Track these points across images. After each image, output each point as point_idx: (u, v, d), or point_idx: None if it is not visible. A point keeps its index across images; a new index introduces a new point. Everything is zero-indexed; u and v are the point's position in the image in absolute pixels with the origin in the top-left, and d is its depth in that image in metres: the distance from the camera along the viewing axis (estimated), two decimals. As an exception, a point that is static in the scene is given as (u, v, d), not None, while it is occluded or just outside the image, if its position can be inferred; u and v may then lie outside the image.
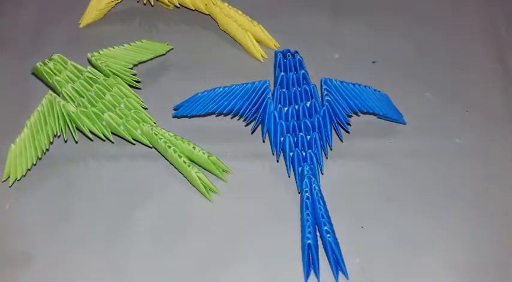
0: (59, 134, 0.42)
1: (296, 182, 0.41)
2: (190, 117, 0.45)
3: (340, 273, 0.37)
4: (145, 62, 0.48)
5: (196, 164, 0.42)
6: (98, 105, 0.43)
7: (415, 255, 0.38)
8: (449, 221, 0.40)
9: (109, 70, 0.44)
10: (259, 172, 0.43)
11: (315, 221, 0.38)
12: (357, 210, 0.40)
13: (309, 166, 0.40)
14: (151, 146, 0.43)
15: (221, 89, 0.43)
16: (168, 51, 0.50)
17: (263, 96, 0.43)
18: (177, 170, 0.42)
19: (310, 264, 0.37)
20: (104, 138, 0.43)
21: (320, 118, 0.42)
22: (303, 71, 0.44)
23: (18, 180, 0.42)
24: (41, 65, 0.44)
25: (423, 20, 0.52)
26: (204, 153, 0.41)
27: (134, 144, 0.43)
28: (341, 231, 0.38)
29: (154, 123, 0.43)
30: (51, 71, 0.44)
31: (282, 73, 0.44)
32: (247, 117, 0.43)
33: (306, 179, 0.40)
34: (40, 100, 0.42)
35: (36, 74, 0.45)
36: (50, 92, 0.43)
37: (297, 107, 0.43)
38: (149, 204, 0.41)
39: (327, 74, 0.44)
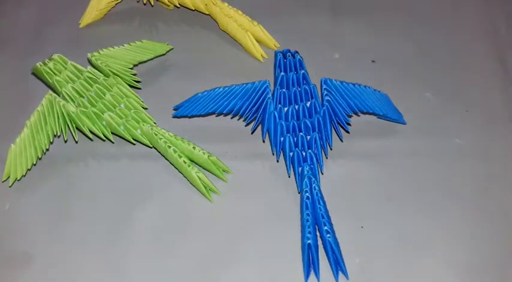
0: (59, 134, 0.42)
1: (296, 182, 0.41)
2: (190, 117, 0.45)
3: (340, 273, 0.37)
4: (145, 62, 0.48)
5: (197, 164, 0.42)
6: (98, 105, 0.43)
7: (415, 255, 0.38)
8: (449, 221, 0.40)
9: (109, 70, 0.44)
10: (259, 172, 0.43)
11: (315, 221, 0.38)
12: (357, 210, 0.40)
13: (309, 166, 0.40)
14: (151, 146, 0.43)
15: (221, 89, 0.44)
16: (168, 51, 0.50)
17: (263, 96, 0.43)
18: (177, 170, 0.42)
19: (310, 264, 0.37)
20: (104, 138, 0.43)
21: (320, 118, 0.42)
22: (303, 71, 0.44)
23: (18, 180, 0.42)
24: (41, 65, 0.44)
25: (423, 20, 0.52)
26: (204, 153, 0.41)
27: (134, 144, 0.43)
28: (341, 231, 0.38)
29: (154, 123, 0.43)
30: (51, 71, 0.44)
31: (282, 73, 0.44)
32: (247, 117, 0.43)
33: (306, 179, 0.40)
34: (40, 100, 0.42)
35: (36, 74, 0.45)
36: (50, 92, 0.43)
37: (297, 107, 0.43)
38: (149, 204, 0.41)
39: (327, 74, 0.44)
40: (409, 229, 0.40)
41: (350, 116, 0.43)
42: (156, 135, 0.41)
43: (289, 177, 0.42)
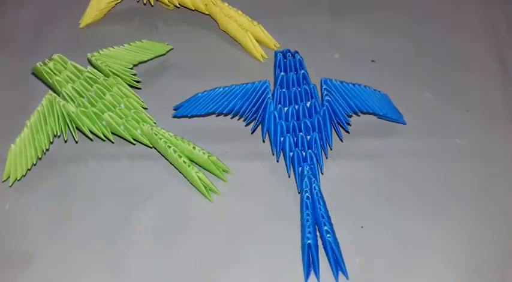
0: (59, 134, 0.42)
1: (296, 182, 0.41)
2: (190, 117, 0.45)
3: (340, 273, 0.37)
4: (145, 62, 0.48)
5: (197, 164, 0.42)
6: (98, 105, 0.43)
7: (415, 255, 0.38)
8: (449, 221, 0.40)
9: (109, 70, 0.44)
10: (259, 172, 0.43)
11: (315, 221, 0.38)
12: (357, 210, 0.40)
13: (309, 166, 0.40)
14: (151, 146, 0.43)
15: (221, 89, 0.44)
16: (168, 51, 0.50)
17: (263, 96, 0.43)
18: (177, 170, 0.42)
19: (310, 264, 0.37)
20: (104, 138, 0.43)
21: (320, 118, 0.42)
22: (303, 71, 0.44)
23: (18, 180, 0.42)
24: (41, 65, 0.44)
25: (423, 20, 0.52)
26: (204, 153, 0.41)
27: (134, 144, 0.43)
28: (341, 231, 0.38)
29: (154, 123, 0.43)
30: (51, 71, 0.44)
31: (282, 73, 0.44)
32: (247, 117, 0.43)
33: (306, 179, 0.40)
34: (40, 100, 0.42)
35: (36, 74, 0.45)
36: (50, 92, 0.43)
37: (297, 107, 0.43)
38: (149, 204, 0.41)
39: (327, 74, 0.44)
40: (409, 229, 0.40)
41: (350, 116, 0.43)
42: (156, 135, 0.41)
43: (289, 177, 0.42)
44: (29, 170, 0.41)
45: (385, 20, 0.53)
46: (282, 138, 0.41)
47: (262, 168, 0.43)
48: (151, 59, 0.49)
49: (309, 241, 0.37)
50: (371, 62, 0.49)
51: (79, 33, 0.52)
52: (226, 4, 0.50)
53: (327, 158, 0.43)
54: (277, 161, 0.43)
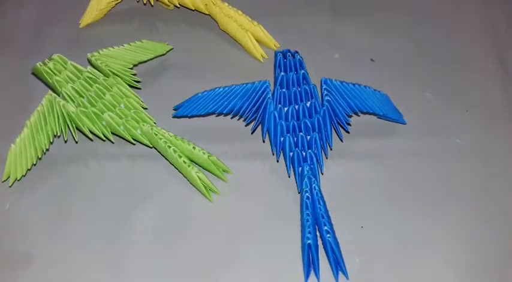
0: (59, 134, 0.42)
1: (296, 182, 0.41)
2: (190, 117, 0.45)
3: (340, 273, 0.37)
4: (145, 62, 0.48)
5: (197, 164, 0.42)
6: (97, 105, 0.43)
7: (415, 255, 0.38)
8: (449, 221, 0.40)
9: (109, 70, 0.44)
10: (259, 172, 0.43)
11: (315, 221, 0.38)
12: (357, 210, 0.40)
13: (309, 166, 0.40)
14: (151, 146, 0.43)
15: (221, 89, 0.43)
16: (168, 51, 0.50)
17: (263, 96, 0.43)
18: (177, 170, 0.42)
19: (310, 264, 0.37)
20: (104, 138, 0.43)
21: (320, 118, 0.42)
22: (303, 71, 0.44)
23: (18, 180, 0.42)
24: (41, 65, 0.44)
25: (423, 20, 0.52)
26: (204, 153, 0.41)
27: (134, 144, 0.43)
28: (341, 231, 0.38)
29: (154, 123, 0.43)
30: (51, 71, 0.44)
31: (282, 73, 0.44)
32: (247, 117, 0.43)
33: (306, 179, 0.40)
34: (40, 100, 0.42)
35: (36, 74, 0.45)
36: (50, 92, 0.43)
37: (297, 107, 0.43)
38: (149, 204, 0.41)
39: (327, 74, 0.44)
40: (409, 229, 0.40)
41: (350, 116, 0.43)
42: (156, 135, 0.41)
43: (289, 177, 0.42)
44: (29, 170, 0.41)
45: (385, 20, 0.53)
46: (282, 138, 0.41)
47: (262, 168, 0.43)
48: (151, 59, 0.49)
49: (309, 241, 0.37)
50: (370, 60, 0.49)
51: (79, 33, 0.52)
52: (226, 4, 0.50)
53: (327, 158, 0.43)
54: (277, 161, 0.43)
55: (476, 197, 0.41)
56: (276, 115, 0.42)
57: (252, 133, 0.44)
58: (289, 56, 0.45)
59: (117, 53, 0.46)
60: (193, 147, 0.41)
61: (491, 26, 0.52)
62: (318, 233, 0.38)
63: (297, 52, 0.46)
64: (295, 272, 0.38)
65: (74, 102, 0.43)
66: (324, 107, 0.42)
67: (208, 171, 0.42)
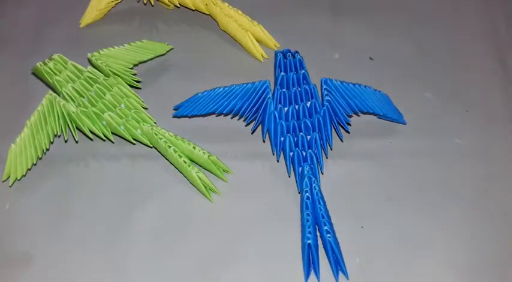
0: (59, 134, 0.42)
1: (296, 182, 0.41)
2: (190, 117, 0.45)
3: (340, 273, 0.37)
4: (145, 62, 0.48)
5: (197, 164, 0.42)
6: (98, 105, 0.43)
7: (415, 255, 0.38)
8: (449, 221, 0.40)
9: (109, 70, 0.44)
10: (259, 172, 0.43)
11: (315, 221, 0.38)
12: (357, 210, 0.40)
13: (309, 166, 0.40)
14: (151, 146, 0.43)
15: (221, 89, 0.44)
16: (168, 51, 0.50)
17: (263, 96, 0.43)
18: (177, 170, 0.42)
19: (310, 264, 0.37)
20: (104, 138, 0.43)
21: (320, 118, 0.42)
22: (303, 71, 0.44)
23: (18, 180, 0.42)
24: (41, 65, 0.44)
25: (423, 20, 0.52)
26: (204, 153, 0.41)
27: (134, 144, 0.43)
28: (341, 231, 0.38)
29: (155, 123, 0.43)
30: (52, 70, 0.44)
31: (282, 73, 0.44)
32: (247, 117, 0.43)
33: (306, 179, 0.40)
34: (40, 100, 0.42)
35: (37, 74, 0.45)
36: (50, 91, 0.43)
37: (297, 107, 0.43)
38: (149, 204, 0.41)
39: (327, 74, 0.44)
40: (409, 229, 0.40)
41: (350, 116, 0.43)
42: (156, 135, 0.41)
43: (289, 177, 0.42)
44: (29, 169, 0.41)
45: (385, 20, 0.53)
46: (282, 138, 0.41)
47: (262, 168, 0.43)
48: (152, 59, 0.49)
49: (309, 241, 0.37)
50: (369, 59, 0.49)
51: (79, 33, 0.52)
52: (226, 4, 0.50)
53: (327, 158, 0.43)
54: (277, 161, 0.43)
55: (476, 197, 0.41)
56: (276, 115, 0.42)
57: (252, 133, 0.44)
58: (289, 56, 0.45)
59: (117, 53, 0.46)
60: (194, 147, 0.41)
61: (491, 26, 0.52)
62: (318, 233, 0.38)
63: (297, 52, 0.46)
64: (295, 272, 0.38)
65: (74, 102, 0.43)
66: (324, 107, 0.42)
67: (209, 171, 0.42)
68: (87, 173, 0.43)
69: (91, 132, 0.42)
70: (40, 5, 0.55)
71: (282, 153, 0.42)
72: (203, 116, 0.45)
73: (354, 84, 0.43)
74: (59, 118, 0.42)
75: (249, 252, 0.39)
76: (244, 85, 0.43)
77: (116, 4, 0.53)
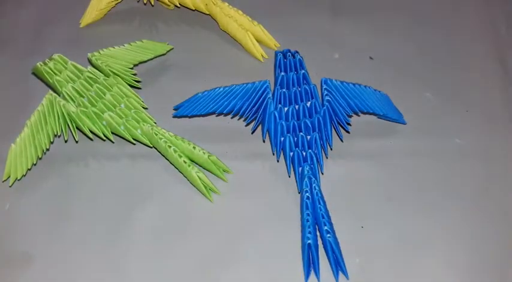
0: (59, 134, 0.42)
1: (296, 182, 0.41)
2: (190, 117, 0.45)
3: (340, 273, 0.37)
4: (145, 62, 0.48)
5: (197, 164, 0.42)
6: (98, 105, 0.43)
7: (415, 255, 0.38)
8: (449, 221, 0.40)
9: (109, 70, 0.44)
10: (259, 172, 0.43)
11: (315, 221, 0.38)
12: (357, 210, 0.40)
13: (309, 166, 0.40)
14: (151, 146, 0.43)
15: (221, 89, 0.44)
16: (168, 51, 0.50)
17: (263, 96, 0.43)
18: (177, 170, 0.42)
19: (310, 264, 0.37)
20: (104, 138, 0.43)
21: (320, 118, 0.42)
22: (303, 71, 0.44)
23: (18, 180, 0.42)
24: (41, 65, 0.44)
25: (423, 20, 0.52)
26: (204, 153, 0.41)
27: (134, 144, 0.43)
28: (341, 231, 0.38)
29: (155, 123, 0.43)
30: (52, 70, 0.44)
31: (282, 73, 0.44)
32: (247, 117, 0.43)
33: (306, 179, 0.40)
34: (40, 100, 0.42)
35: (37, 74, 0.45)
36: (50, 91, 0.43)
37: (297, 107, 0.43)
38: (149, 204, 0.41)
39: (327, 74, 0.44)
40: (409, 229, 0.40)
41: (350, 116, 0.43)
42: (156, 135, 0.41)
43: (289, 177, 0.42)
44: (29, 169, 0.41)
45: (385, 20, 0.53)
46: (282, 138, 0.41)
47: (262, 168, 0.43)
48: (152, 59, 0.49)
49: (309, 241, 0.37)
50: (369, 58, 0.49)
51: (79, 33, 0.52)
52: (226, 4, 0.50)
53: (327, 158, 0.43)
54: (278, 161, 0.43)
55: (476, 197, 0.41)
56: (276, 115, 0.42)
57: (252, 133, 0.44)
58: (289, 56, 0.45)
59: (117, 53, 0.46)
60: (194, 147, 0.41)
61: (491, 26, 0.52)
62: (318, 233, 0.38)
63: (297, 52, 0.46)
64: (295, 272, 0.38)
65: (74, 102, 0.43)
66: (324, 107, 0.42)
67: (209, 171, 0.42)
68: (87, 173, 0.43)
69: (91, 132, 0.42)
70: (40, 5, 0.55)
71: (282, 153, 0.42)
72: (203, 116, 0.45)
73: (354, 84, 0.43)
74: (59, 118, 0.42)
75: (249, 252, 0.39)
76: (244, 85, 0.43)
77: (116, 4, 0.53)
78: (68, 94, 0.43)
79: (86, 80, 0.44)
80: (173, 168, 0.42)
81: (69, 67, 0.44)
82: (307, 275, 0.37)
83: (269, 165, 0.43)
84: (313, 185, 0.39)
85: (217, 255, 0.39)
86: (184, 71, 0.49)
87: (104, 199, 0.41)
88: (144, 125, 0.42)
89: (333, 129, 0.42)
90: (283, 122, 0.41)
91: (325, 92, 0.42)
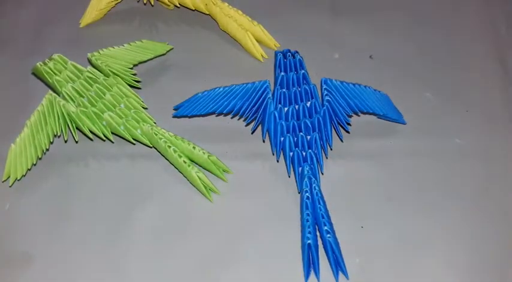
0: (59, 134, 0.42)
1: (296, 182, 0.41)
2: (190, 117, 0.45)
3: (340, 273, 0.37)
4: (145, 62, 0.48)
5: (197, 164, 0.42)
6: (98, 105, 0.43)
7: (415, 255, 0.38)
8: (449, 221, 0.40)
9: (109, 70, 0.44)
10: (259, 172, 0.43)
11: (315, 221, 0.38)
12: (357, 210, 0.40)
13: (309, 166, 0.40)
14: (151, 146, 0.43)
15: (221, 89, 0.44)
16: (168, 51, 0.50)
17: (263, 96, 0.43)
18: (177, 170, 0.42)
19: (310, 264, 0.37)
20: (104, 138, 0.43)
21: (320, 118, 0.42)
22: (303, 71, 0.44)
23: (18, 180, 0.42)
24: (41, 65, 0.44)
25: (423, 20, 0.52)
26: (204, 153, 0.41)
27: (134, 144, 0.43)
28: (341, 231, 0.38)
29: (155, 123, 0.43)
30: (51, 70, 0.44)
31: (282, 73, 0.44)
32: (247, 117, 0.43)
33: (306, 179, 0.40)
34: (40, 100, 0.42)
35: (36, 74, 0.45)
36: (50, 91, 0.43)
37: (297, 107, 0.43)
38: (149, 204, 0.41)
39: (327, 74, 0.44)
40: (409, 229, 0.40)
41: (350, 116, 0.43)
42: (156, 135, 0.41)
43: (289, 177, 0.42)
44: (29, 169, 0.41)
45: (385, 20, 0.53)
46: (282, 138, 0.41)
47: (262, 168, 0.43)
48: (151, 59, 0.49)
49: (309, 241, 0.37)
50: (369, 57, 0.49)
51: (79, 33, 0.52)
52: (226, 4, 0.50)
53: (327, 158, 0.43)
54: (277, 161, 0.43)
55: (476, 197, 0.41)
56: (276, 115, 0.42)
57: (252, 133, 0.44)
58: (289, 56, 0.45)
59: (117, 53, 0.46)
60: (193, 147, 0.41)
61: (491, 26, 0.52)
62: (318, 233, 0.38)
63: (297, 52, 0.46)
64: (295, 272, 0.38)
65: (74, 102, 0.43)
66: (324, 107, 0.42)
67: (209, 171, 0.42)
68: (87, 173, 0.43)
69: (91, 132, 0.42)
70: (40, 5, 0.55)
71: (282, 153, 0.42)
72: (203, 116, 0.45)
73: (354, 84, 0.43)
74: (59, 118, 0.42)
75: (249, 252, 0.39)
76: (244, 85, 0.43)
77: (116, 4, 0.53)
78: (67, 94, 0.43)
79: (86, 80, 0.44)
80: (173, 168, 0.42)
81: (69, 67, 0.44)
82: (307, 275, 0.37)
83: (269, 165, 0.43)
84: (313, 185, 0.39)
85: (217, 255, 0.39)
86: (184, 71, 0.49)
87: (104, 199, 0.41)
88: (144, 125, 0.42)
89: (333, 129, 0.42)
90: (283, 122, 0.41)
91: (325, 92, 0.42)
